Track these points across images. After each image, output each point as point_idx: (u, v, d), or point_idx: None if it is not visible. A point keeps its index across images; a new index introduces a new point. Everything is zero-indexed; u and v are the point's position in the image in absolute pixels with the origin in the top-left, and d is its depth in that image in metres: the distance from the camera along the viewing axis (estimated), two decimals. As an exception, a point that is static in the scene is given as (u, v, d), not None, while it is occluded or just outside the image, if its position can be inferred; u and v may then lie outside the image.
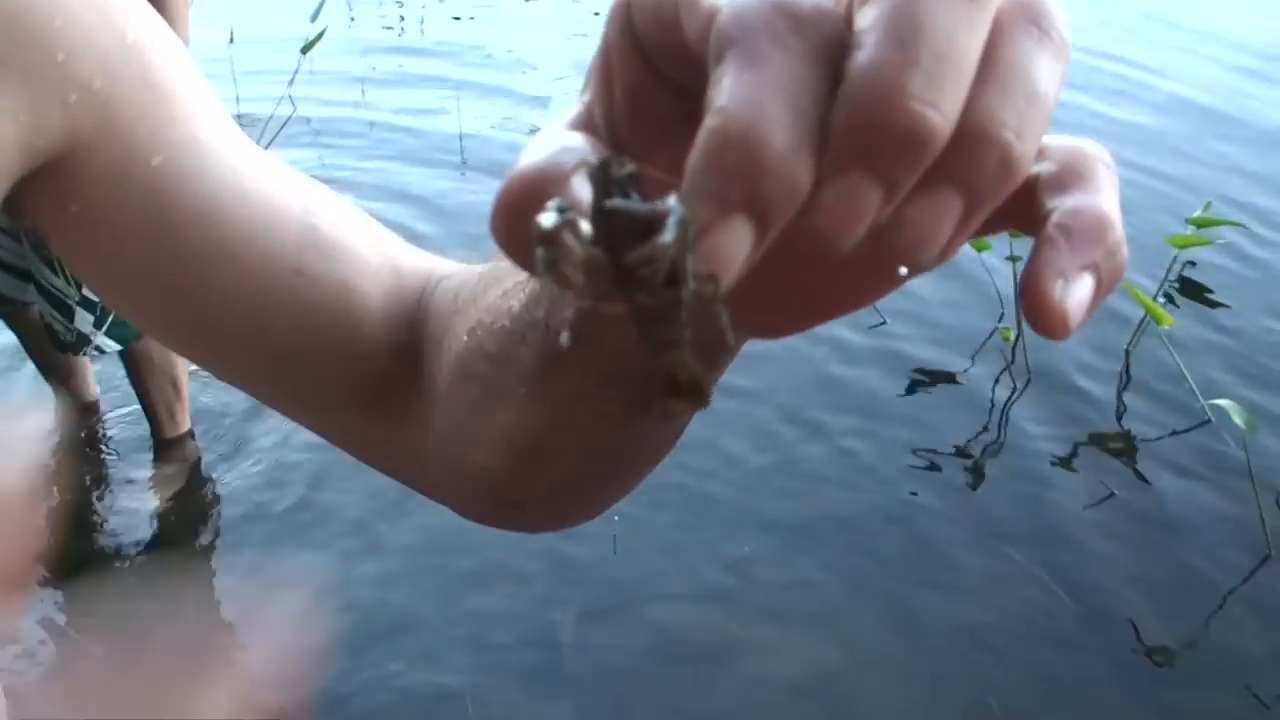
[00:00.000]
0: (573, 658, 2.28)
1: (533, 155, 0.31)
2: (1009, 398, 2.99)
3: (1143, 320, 3.05)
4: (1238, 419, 2.42)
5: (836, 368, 3.03)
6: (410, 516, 2.52)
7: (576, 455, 0.51)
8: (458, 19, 5.10)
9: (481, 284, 0.53)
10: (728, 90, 0.27)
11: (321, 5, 3.95)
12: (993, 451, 2.84)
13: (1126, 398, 3.02)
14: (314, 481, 2.65)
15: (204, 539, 2.59)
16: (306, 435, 0.68)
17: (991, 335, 3.16)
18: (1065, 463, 2.81)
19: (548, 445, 0.51)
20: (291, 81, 4.16)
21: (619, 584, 2.44)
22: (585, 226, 0.27)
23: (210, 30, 4.04)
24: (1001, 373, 3.05)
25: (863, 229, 0.27)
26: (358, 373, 0.60)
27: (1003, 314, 3.18)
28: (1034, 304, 0.30)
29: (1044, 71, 0.29)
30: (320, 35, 3.79)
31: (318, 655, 0.29)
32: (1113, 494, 2.72)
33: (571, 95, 4.25)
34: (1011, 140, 0.28)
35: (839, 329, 3.07)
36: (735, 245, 0.27)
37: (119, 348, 2.47)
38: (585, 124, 0.33)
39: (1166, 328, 2.85)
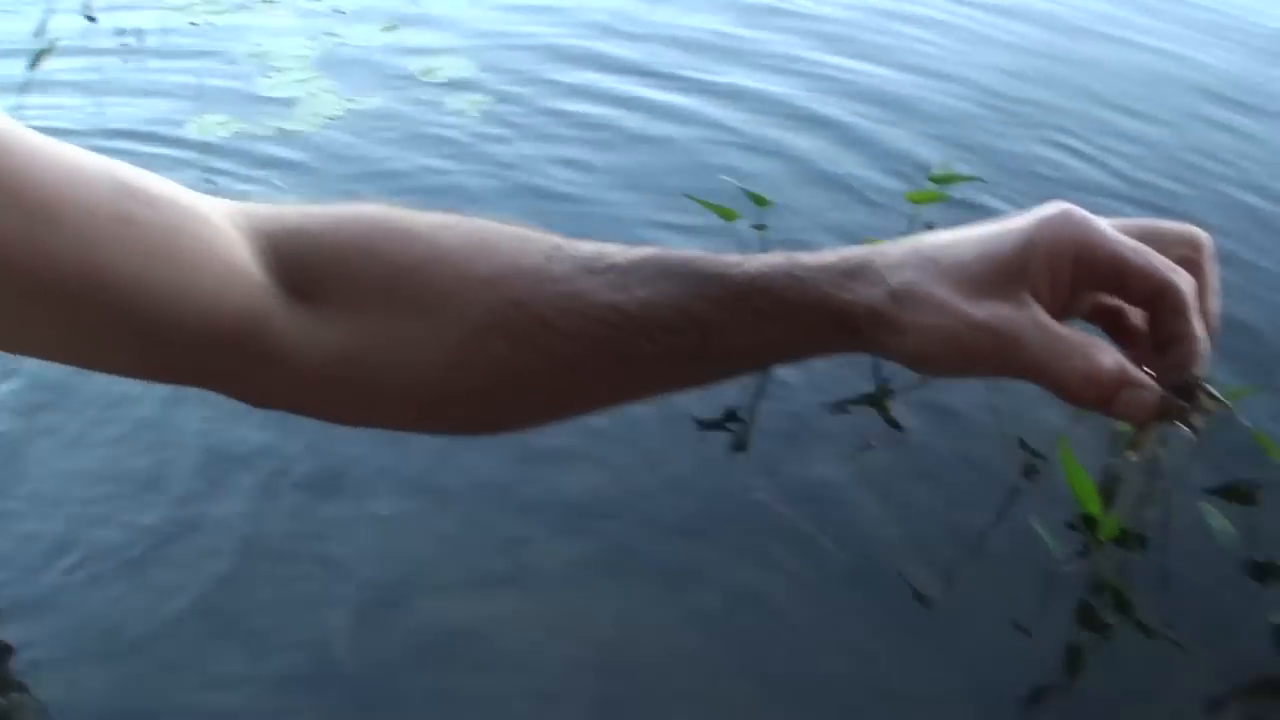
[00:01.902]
0: (347, 658, 2.24)
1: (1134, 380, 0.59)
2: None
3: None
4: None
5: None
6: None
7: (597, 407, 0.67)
8: (195, 25, 4.95)
9: (541, 274, 0.64)
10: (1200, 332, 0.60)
11: (47, 18, 3.79)
12: (756, 412, 2.89)
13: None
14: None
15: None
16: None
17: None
18: (825, 418, 2.88)
19: (584, 406, 0.67)
20: (22, 91, 3.98)
21: (392, 579, 2.41)
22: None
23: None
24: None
25: None
26: (226, 309, 0.62)
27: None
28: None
29: None
30: (49, 48, 3.64)
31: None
32: (870, 445, 2.81)
33: (317, 95, 4.18)
34: None
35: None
36: None
37: None
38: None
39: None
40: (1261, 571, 2.57)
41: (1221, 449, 2.73)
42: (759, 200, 3.10)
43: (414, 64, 4.64)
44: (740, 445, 2.81)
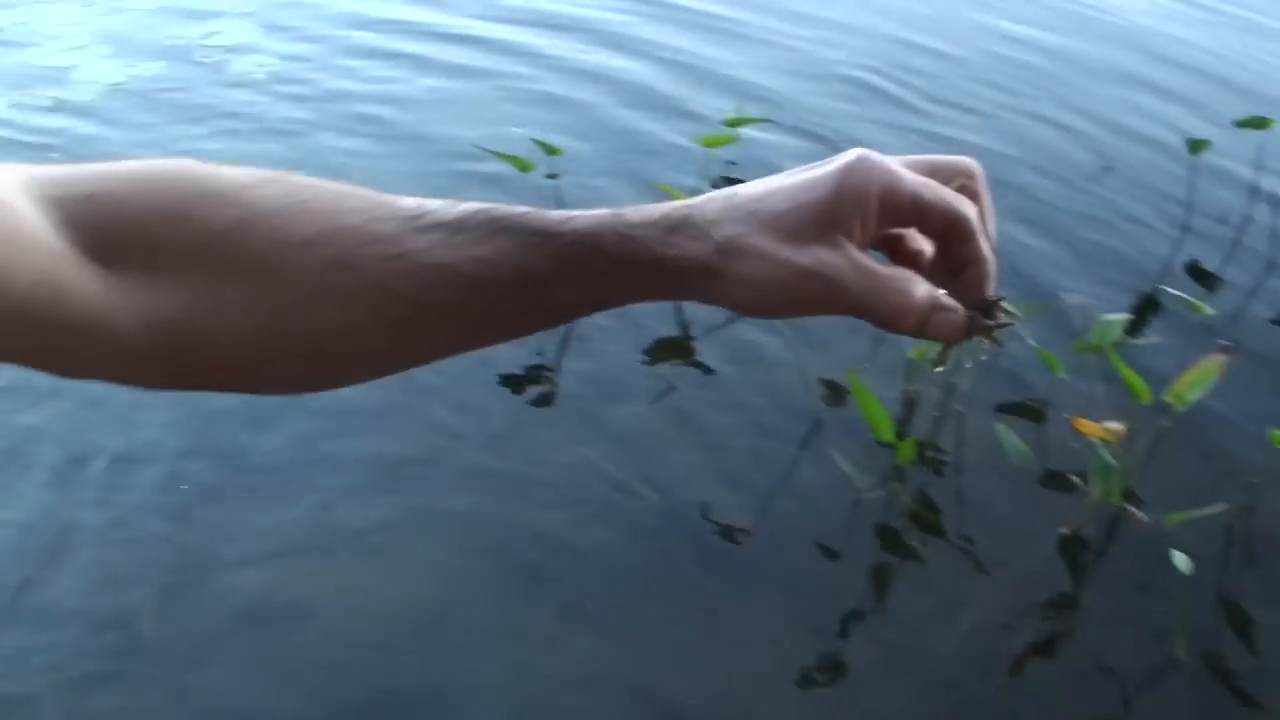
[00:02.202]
0: (155, 634, 2.19)
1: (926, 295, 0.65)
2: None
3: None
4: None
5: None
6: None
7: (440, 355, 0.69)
8: (-42, -6, 4.72)
9: (362, 238, 0.64)
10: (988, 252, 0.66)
11: None
12: (563, 363, 2.90)
13: (681, 297, 3.16)
14: None
15: None
16: None
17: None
18: (631, 365, 2.91)
19: (415, 362, 0.68)
20: None
21: (198, 551, 2.36)
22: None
23: None
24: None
25: None
26: (16, 280, 0.59)
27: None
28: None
29: None
30: None
31: None
32: (674, 388, 2.85)
33: (95, 63, 4.02)
34: None
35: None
36: None
37: None
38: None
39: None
40: (1052, 484, 2.68)
41: (1009, 369, 2.83)
42: (550, 149, 3.10)
43: (195, 29, 4.50)
44: (549, 398, 2.81)
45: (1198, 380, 2.24)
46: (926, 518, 2.59)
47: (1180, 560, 2.22)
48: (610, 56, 4.44)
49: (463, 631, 2.28)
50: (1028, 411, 2.83)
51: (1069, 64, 4.91)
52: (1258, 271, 3.61)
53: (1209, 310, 2.83)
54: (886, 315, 0.63)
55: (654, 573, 2.44)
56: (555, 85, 4.19)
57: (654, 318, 3.05)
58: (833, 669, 2.29)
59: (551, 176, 3.08)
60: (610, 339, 2.96)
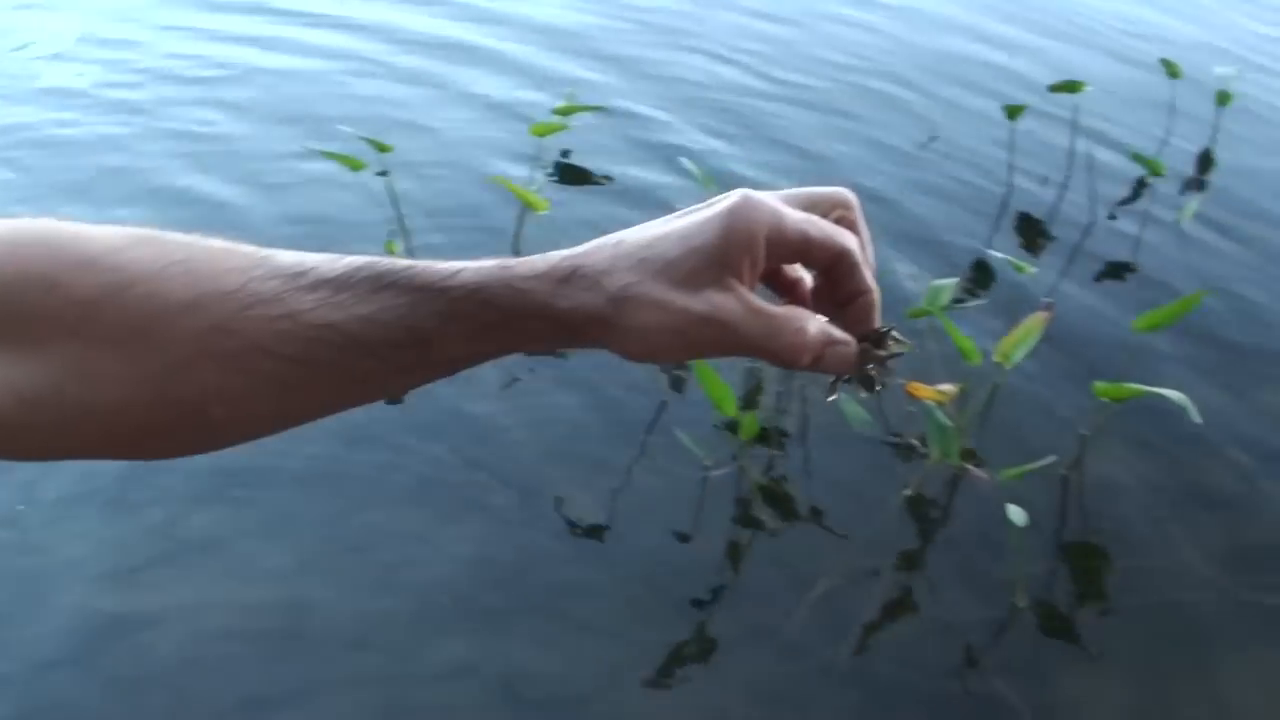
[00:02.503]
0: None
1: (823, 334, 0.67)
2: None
3: (521, 212, 3.20)
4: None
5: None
6: None
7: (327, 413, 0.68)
8: None
9: (247, 301, 0.62)
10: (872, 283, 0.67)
11: None
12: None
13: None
14: None
15: None
16: None
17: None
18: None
19: (302, 421, 0.66)
20: None
21: (39, 577, 2.31)
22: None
23: None
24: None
25: None
26: None
27: (395, 230, 3.22)
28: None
29: None
30: None
31: None
32: (519, 378, 2.86)
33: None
34: None
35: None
36: None
37: None
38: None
39: (543, 212, 3.02)
40: (893, 448, 2.75)
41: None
42: (380, 146, 3.08)
43: (27, 18, 4.38)
44: (394, 396, 2.80)
45: (1022, 338, 2.33)
46: (775, 491, 2.65)
47: (1015, 514, 2.30)
48: (435, 52, 4.42)
49: (321, 634, 2.26)
50: (867, 379, 2.90)
51: (891, 39, 5.02)
52: (1079, 229, 3.74)
53: (1032, 270, 2.92)
54: (782, 355, 0.64)
55: (509, 564, 2.45)
56: (382, 82, 4.16)
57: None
58: (692, 647, 2.32)
59: (382, 174, 3.06)
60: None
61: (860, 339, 0.67)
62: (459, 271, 0.64)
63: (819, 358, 0.65)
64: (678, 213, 0.66)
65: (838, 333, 0.66)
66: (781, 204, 0.64)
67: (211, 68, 4.20)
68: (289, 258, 0.65)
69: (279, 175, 3.48)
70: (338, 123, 3.52)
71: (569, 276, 0.63)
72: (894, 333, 0.68)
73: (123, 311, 0.61)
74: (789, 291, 0.70)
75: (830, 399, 0.76)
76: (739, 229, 0.62)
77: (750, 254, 0.63)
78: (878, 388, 0.69)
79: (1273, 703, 2.40)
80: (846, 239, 0.65)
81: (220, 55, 4.29)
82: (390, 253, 3.09)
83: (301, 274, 0.64)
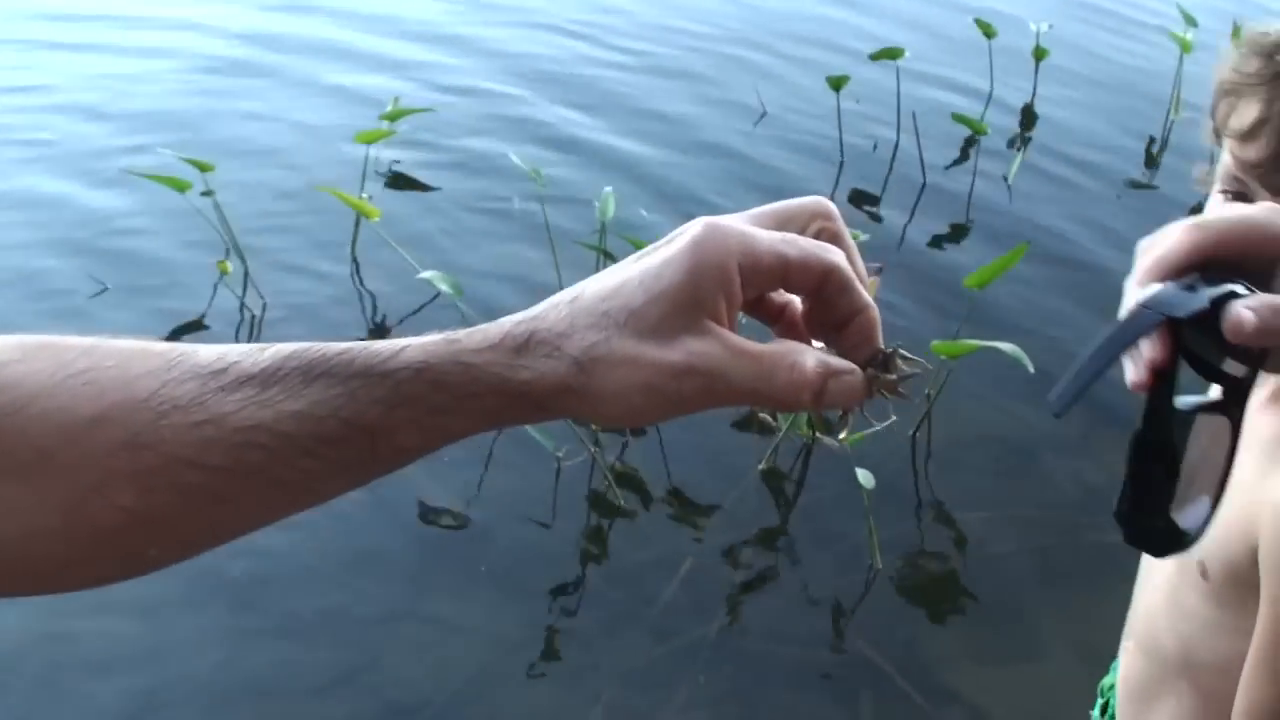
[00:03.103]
0: None
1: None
2: (245, 320, 3.00)
3: (356, 221, 3.17)
4: (445, 286, 2.64)
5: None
6: None
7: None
8: None
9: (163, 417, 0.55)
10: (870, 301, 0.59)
11: None
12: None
13: (361, 287, 3.15)
14: None
15: None
16: None
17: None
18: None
19: (239, 532, 0.59)
20: None
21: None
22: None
23: None
24: (243, 306, 3.05)
25: None
26: None
27: (227, 250, 3.14)
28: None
29: None
30: None
31: None
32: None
33: None
34: None
35: None
36: None
37: None
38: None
39: (378, 220, 3.00)
40: (746, 424, 2.78)
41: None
42: (202, 166, 3.01)
43: None
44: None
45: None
46: (632, 476, 2.65)
47: (864, 477, 2.33)
48: (255, 56, 4.34)
49: (179, 660, 2.21)
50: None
51: (720, 26, 5.07)
52: (912, 192, 3.82)
53: (864, 237, 2.96)
54: (779, 398, 0.56)
55: (370, 571, 2.43)
56: (198, 99, 4.06)
57: (340, 309, 3.02)
58: (562, 637, 2.32)
59: (206, 194, 2.99)
60: (306, 334, 2.91)
61: (865, 364, 0.58)
62: (401, 350, 0.56)
63: (821, 393, 0.57)
64: (637, 254, 0.58)
65: (838, 362, 0.58)
66: (750, 226, 0.57)
67: (10, 94, 4.06)
68: (208, 354, 0.57)
69: (100, 207, 3.38)
70: (157, 143, 3.43)
71: (525, 344, 0.56)
72: (901, 350, 0.59)
73: (19, 434, 0.54)
74: (777, 318, 0.62)
75: (842, 437, 0.65)
76: (707, 264, 0.55)
77: (724, 289, 0.56)
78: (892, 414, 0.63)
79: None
80: (831, 254, 0.57)
81: (23, 85, 4.14)
82: (223, 273, 3.03)
83: (222, 371, 0.56)
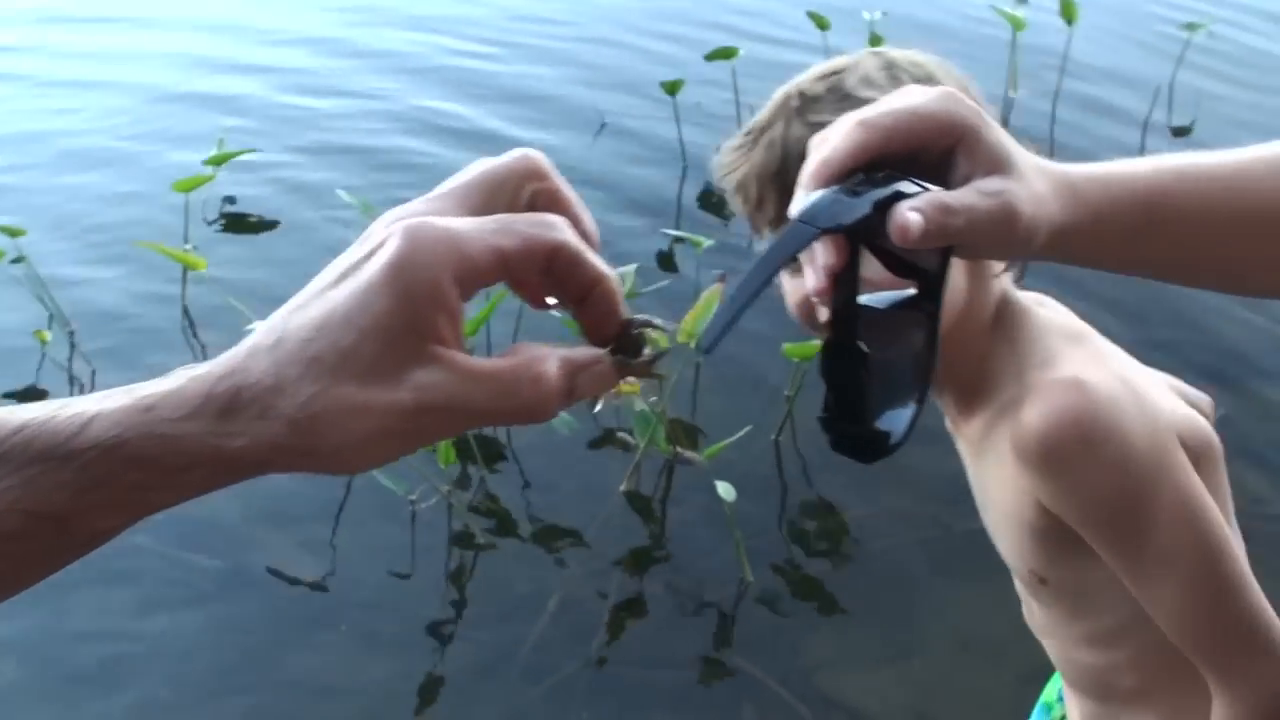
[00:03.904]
0: None
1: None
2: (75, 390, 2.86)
3: (184, 272, 3.04)
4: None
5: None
6: None
7: None
8: None
9: None
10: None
11: None
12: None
13: (195, 341, 3.04)
14: None
15: None
16: None
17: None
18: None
19: None
20: None
21: None
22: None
23: None
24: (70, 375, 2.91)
25: None
26: None
27: (50, 317, 2.99)
28: None
29: None
30: None
31: None
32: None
33: None
34: None
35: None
36: None
37: None
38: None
39: (205, 270, 2.87)
40: (605, 445, 2.70)
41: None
42: (12, 232, 2.87)
43: None
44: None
45: (702, 312, 2.29)
46: (492, 510, 2.57)
47: (724, 489, 2.27)
48: (63, 112, 4.18)
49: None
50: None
51: (559, 27, 5.01)
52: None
53: (707, 242, 2.91)
54: (525, 416, 0.52)
55: (230, 643, 2.31)
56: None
57: (166, 350, 2.90)
58: (430, 689, 2.23)
59: (18, 261, 2.84)
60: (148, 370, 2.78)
61: (613, 346, 0.53)
62: (88, 423, 0.49)
63: (570, 395, 0.52)
64: (332, 272, 0.51)
65: (581, 355, 0.53)
66: (456, 224, 0.51)
67: None
68: None
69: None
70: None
71: (231, 404, 0.49)
72: (648, 324, 0.54)
73: None
74: (580, 300, 0.55)
75: (597, 410, 0.59)
76: (416, 284, 0.49)
77: (442, 308, 0.50)
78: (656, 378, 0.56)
79: (1012, 621, 2.46)
80: (552, 231, 0.52)
81: None
82: (42, 342, 2.87)
83: None
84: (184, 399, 0.49)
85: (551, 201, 0.55)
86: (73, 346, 2.92)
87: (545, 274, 0.53)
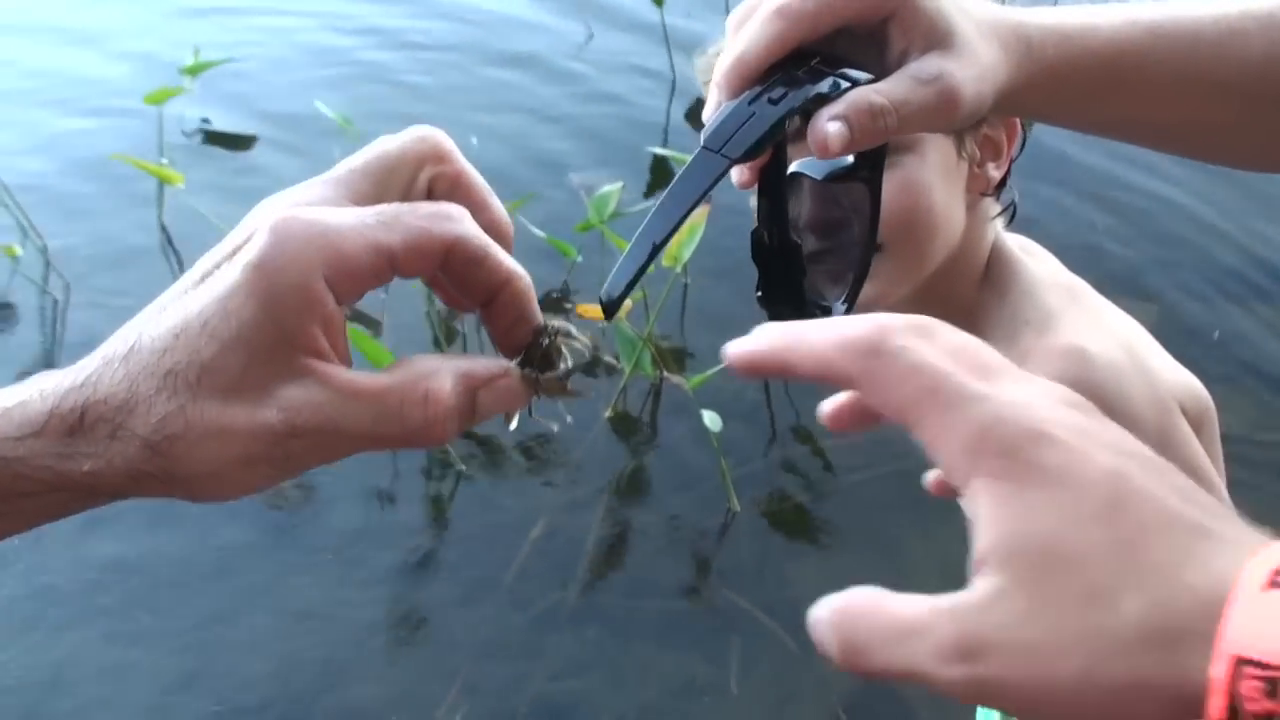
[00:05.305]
0: None
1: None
2: (48, 306, 2.81)
3: (160, 190, 2.97)
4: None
5: None
6: None
7: None
8: None
9: None
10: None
11: None
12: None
13: (174, 258, 2.97)
14: None
15: None
16: None
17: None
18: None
19: None
20: None
21: None
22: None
23: None
24: (44, 290, 2.85)
25: None
26: None
27: (24, 231, 2.93)
28: None
29: None
30: None
31: None
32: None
33: None
34: None
35: None
36: None
37: None
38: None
39: (180, 185, 2.80)
40: (590, 367, 2.65)
41: (528, 266, 2.78)
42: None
43: None
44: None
45: (687, 237, 2.24)
46: (473, 436, 2.53)
47: (709, 419, 2.24)
48: (32, 29, 4.07)
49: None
50: (551, 305, 2.80)
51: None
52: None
53: (685, 159, 2.83)
54: (414, 440, 0.45)
55: (206, 564, 2.29)
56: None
57: (152, 284, 2.80)
58: (415, 616, 2.21)
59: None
60: (117, 316, 2.73)
61: (522, 357, 0.47)
62: None
63: (469, 414, 0.46)
64: (196, 271, 0.46)
65: (483, 367, 0.47)
66: (331, 217, 0.44)
67: None
68: None
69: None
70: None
71: (79, 424, 0.43)
72: (563, 334, 0.48)
73: None
74: (488, 302, 0.49)
75: (513, 427, 0.45)
76: (283, 289, 0.43)
77: (314, 315, 0.44)
78: (571, 392, 0.48)
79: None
80: (448, 225, 0.45)
81: None
82: (11, 256, 2.80)
83: None
84: (26, 416, 0.44)
85: (453, 188, 0.48)
86: (46, 263, 2.85)
87: (445, 273, 0.46)
